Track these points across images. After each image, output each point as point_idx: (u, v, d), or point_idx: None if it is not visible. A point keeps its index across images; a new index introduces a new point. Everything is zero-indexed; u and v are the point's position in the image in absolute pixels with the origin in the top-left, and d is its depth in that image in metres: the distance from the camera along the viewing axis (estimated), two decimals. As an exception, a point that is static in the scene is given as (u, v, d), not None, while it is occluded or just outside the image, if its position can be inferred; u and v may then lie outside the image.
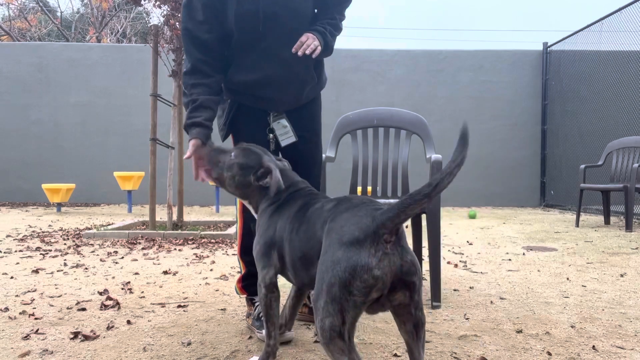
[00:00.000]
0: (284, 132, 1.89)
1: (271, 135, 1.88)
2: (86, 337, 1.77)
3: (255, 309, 1.89)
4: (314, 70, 1.92)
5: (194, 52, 1.73)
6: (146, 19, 19.26)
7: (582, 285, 2.66)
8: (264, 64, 1.78)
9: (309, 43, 1.73)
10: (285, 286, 2.62)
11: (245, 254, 1.91)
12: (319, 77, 1.97)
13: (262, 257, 1.47)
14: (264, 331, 1.76)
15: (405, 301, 1.16)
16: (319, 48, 1.75)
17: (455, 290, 2.55)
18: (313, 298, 1.17)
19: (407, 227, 5.60)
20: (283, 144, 1.89)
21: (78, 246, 3.94)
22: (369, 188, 2.74)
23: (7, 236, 4.53)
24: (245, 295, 1.95)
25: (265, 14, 1.71)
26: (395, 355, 1.63)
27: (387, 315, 2.08)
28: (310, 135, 1.97)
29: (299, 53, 1.72)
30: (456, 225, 5.78)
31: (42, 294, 2.42)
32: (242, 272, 1.95)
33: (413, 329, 1.19)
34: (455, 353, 1.65)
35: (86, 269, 3.05)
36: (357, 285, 1.09)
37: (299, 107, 1.95)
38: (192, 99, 1.72)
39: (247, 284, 1.93)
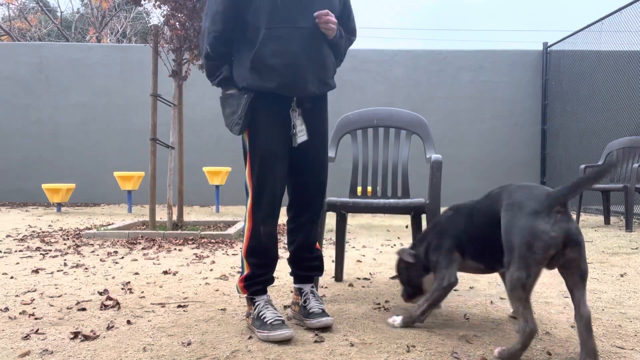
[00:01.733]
0: (300, 130, 1.90)
1: (294, 130, 1.89)
2: (86, 337, 1.77)
3: (255, 309, 1.88)
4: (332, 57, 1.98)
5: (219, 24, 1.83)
6: (146, 19, 19.27)
7: (582, 285, 2.66)
8: (288, 38, 1.81)
9: (330, 17, 1.83)
10: (285, 287, 2.62)
11: (251, 254, 1.89)
12: (334, 70, 2.00)
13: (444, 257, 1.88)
14: (263, 332, 1.77)
15: (574, 256, 1.48)
16: (335, 29, 1.87)
17: (455, 290, 2.56)
18: (505, 260, 1.52)
19: (407, 227, 5.60)
20: (298, 141, 1.89)
21: (78, 246, 3.94)
22: (369, 188, 2.74)
23: (7, 236, 4.54)
24: (246, 295, 1.94)
25: None
26: (396, 354, 1.63)
27: (387, 316, 2.08)
28: (322, 138, 1.99)
29: (319, 20, 1.81)
30: (456, 225, 5.78)
31: (42, 294, 2.42)
32: (245, 273, 1.93)
33: (579, 280, 1.50)
34: (456, 353, 1.65)
35: (86, 269, 3.05)
36: (538, 245, 1.44)
37: (313, 108, 1.96)
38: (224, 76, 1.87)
39: (249, 283, 1.92)
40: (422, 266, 1.98)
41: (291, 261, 2.06)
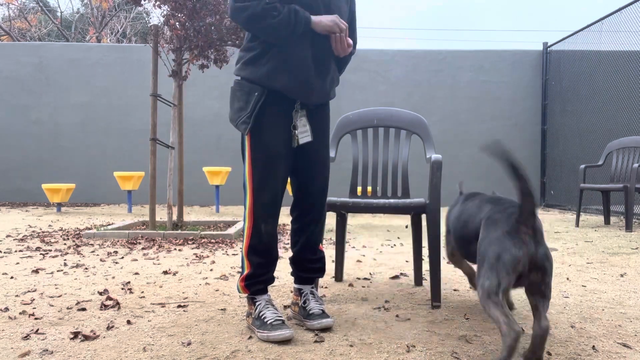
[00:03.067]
0: (304, 131, 1.90)
1: (295, 131, 1.89)
2: (86, 337, 1.77)
3: (255, 309, 1.88)
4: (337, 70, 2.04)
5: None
6: (146, 19, 19.28)
7: (582, 285, 2.66)
8: (304, 46, 1.83)
9: (350, 44, 1.90)
10: (285, 286, 2.62)
11: (252, 253, 1.88)
12: (337, 82, 2.04)
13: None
14: (263, 332, 1.77)
15: (536, 279, 1.54)
16: (351, 48, 1.94)
17: (455, 290, 2.55)
18: (477, 266, 1.61)
19: (407, 227, 5.60)
20: (301, 142, 1.90)
21: (78, 246, 3.94)
22: (369, 188, 2.73)
23: (7, 236, 4.54)
24: (247, 294, 1.93)
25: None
26: (396, 354, 1.63)
27: (387, 316, 2.08)
28: (323, 138, 2.00)
29: (341, 47, 1.87)
30: (456, 225, 5.78)
31: (42, 294, 2.42)
32: (246, 272, 1.92)
33: (541, 299, 1.55)
34: (456, 353, 1.65)
35: (86, 269, 3.05)
36: (506, 259, 1.50)
37: (317, 109, 1.98)
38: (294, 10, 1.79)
39: (250, 283, 1.91)
40: None
41: (293, 262, 2.06)
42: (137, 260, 3.38)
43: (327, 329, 1.88)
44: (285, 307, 2.21)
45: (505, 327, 1.44)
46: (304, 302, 1.97)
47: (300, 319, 1.96)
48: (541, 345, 1.51)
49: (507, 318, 1.45)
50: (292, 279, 2.81)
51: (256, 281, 1.91)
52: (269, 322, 1.79)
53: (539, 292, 1.55)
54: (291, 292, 2.51)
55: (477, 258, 1.61)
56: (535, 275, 1.53)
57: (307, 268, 2.03)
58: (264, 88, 1.83)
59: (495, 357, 1.59)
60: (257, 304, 1.89)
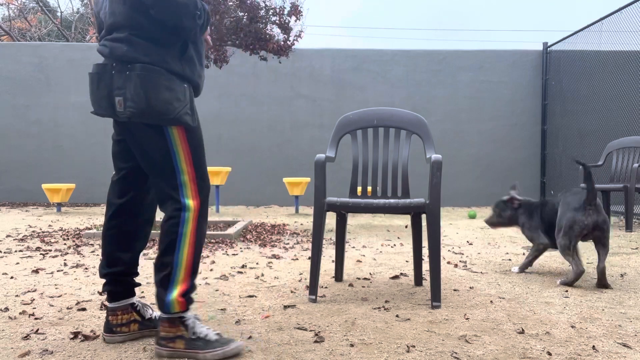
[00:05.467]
0: None
1: None
2: (86, 337, 1.77)
3: (188, 330, 1.60)
4: None
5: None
6: (146, 19, 19.22)
7: (582, 286, 2.66)
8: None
9: None
10: (285, 286, 2.62)
11: (198, 261, 1.68)
12: None
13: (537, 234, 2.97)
14: (216, 351, 1.57)
15: (598, 235, 2.61)
16: None
17: (455, 290, 2.56)
18: (556, 233, 2.71)
19: (406, 227, 5.60)
20: None
21: (78, 246, 3.94)
22: (369, 188, 2.73)
23: (7, 236, 4.54)
24: (180, 311, 1.61)
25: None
26: (396, 354, 1.63)
27: (387, 316, 2.08)
28: None
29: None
30: (456, 225, 5.78)
31: (42, 294, 2.42)
32: (186, 283, 1.64)
33: (602, 247, 2.62)
34: (456, 353, 1.65)
35: (86, 269, 3.05)
36: (576, 227, 2.59)
37: None
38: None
39: (190, 296, 1.65)
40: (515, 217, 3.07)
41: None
42: (137, 260, 3.38)
43: (323, 329, 1.87)
44: (286, 307, 2.21)
45: (575, 266, 2.58)
46: (143, 311, 1.79)
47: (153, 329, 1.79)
48: (603, 276, 2.57)
49: (576, 262, 2.59)
50: (292, 278, 2.81)
51: (192, 293, 1.67)
52: (213, 339, 1.60)
53: (601, 243, 2.61)
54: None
55: (557, 226, 2.69)
56: (599, 233, 2.58)
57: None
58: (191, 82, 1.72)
59: (567, 279, 2.63)
60: (186, 323, 1.61)
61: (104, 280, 1.81)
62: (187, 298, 1.62)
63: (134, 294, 1.80)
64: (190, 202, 1.70)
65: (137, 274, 1.82)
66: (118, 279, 1.76)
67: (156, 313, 1.80)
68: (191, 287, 1.65)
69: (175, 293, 1.61)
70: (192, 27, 1.64)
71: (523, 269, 3.01)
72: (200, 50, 1.76)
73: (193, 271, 1.66)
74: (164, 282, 1.62)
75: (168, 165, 1.67)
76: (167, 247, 1.64)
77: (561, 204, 2.70)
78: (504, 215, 3.07)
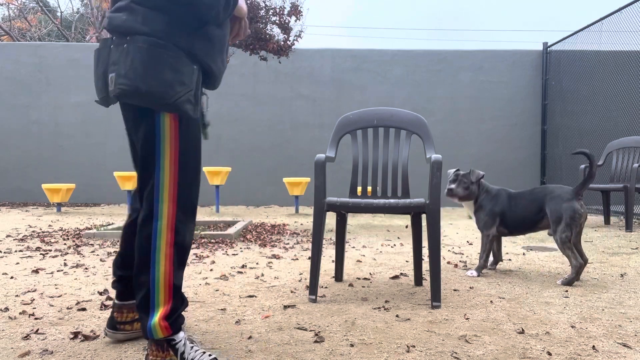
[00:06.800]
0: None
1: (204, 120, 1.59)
2: (86, 337, 1.77)
3: (178, 355, 1.45)
4: None
5: None
6: (146, 19, 19.23)
7: (582, 285, 2.66)
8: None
9: None
10: (285, 286, 2.62)
11: (180, 277, 1.49)
12: None
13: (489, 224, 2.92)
14: None
15: (581, 226, 2.74)
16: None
17: (455, 290, 2.56)
18: (553, 228, 2.72)
19: (407, 227, 5.60)
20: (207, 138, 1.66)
21: (78, 246, 3.94)
22: (369, 188, 2.73)
23: (7, 236, 4.54)
24: (166, 336, 1.44)
25: None
26: (396, 354, 1.63)
27: (387, 316, 2.08)
28: None
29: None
30: (456, 225, 5.78)
31: (42, 294, 2.42)
32: (168, 305, 1.44)
33: (579, 238, 2.77)
34: (456, 353, 1.65)
35: (86, 269, 3.05)
36: (577, 217, 2.67)
37: None
38: None
39: (175, 318, 1.46)
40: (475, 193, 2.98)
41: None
42: (137, 260, 3.37)
43: (323, 329, 1.87)
44: (286, 307, 2.21)
45: (574, 260, 2.63)
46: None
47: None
48: (581, 269, 2.65)
49: (575, 256, 2.64)
50: (292, 278, 2.81)
51: (179, 314, 1.47)
52: None
53: (581, 233, 2.77)
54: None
55: (552, 220, 2.72)
56: (584, 222, 2.71)
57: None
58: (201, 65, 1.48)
59: (568, 277, 2.65)
60: (177, 347, 1.44)
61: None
62: (171, 322, 1.43)
63: None
64: (164, 208, 1.43)
65: None
66: (130, 281, 1.71)
67: None
68: (175, 309, 1.44)
69: (156, 317, 1.42)
70: (211, 2, 1.38)
71: (480, 270, 2.91)
72: (223, 31, 1.50)
73: (175, 290, 1.44)
74: (142, 304, 1.43)
75: (149, 158, 1.43)
76: (140, 263, 1.43)
77: (549, 198, 2.74)
78: (472, 188, 2.95)
